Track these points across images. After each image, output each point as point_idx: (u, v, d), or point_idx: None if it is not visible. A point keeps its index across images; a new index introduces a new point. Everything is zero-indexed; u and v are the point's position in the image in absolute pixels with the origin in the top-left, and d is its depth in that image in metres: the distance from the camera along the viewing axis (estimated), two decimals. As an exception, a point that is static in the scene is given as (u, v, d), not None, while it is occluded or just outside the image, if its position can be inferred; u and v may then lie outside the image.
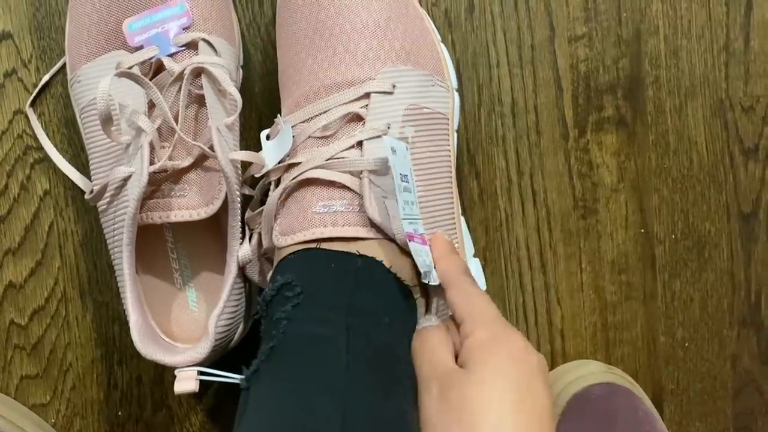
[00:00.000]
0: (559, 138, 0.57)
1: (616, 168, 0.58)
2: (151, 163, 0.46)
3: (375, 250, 0.45)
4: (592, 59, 0.57)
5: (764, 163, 0.58)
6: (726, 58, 0.57)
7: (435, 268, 0.45)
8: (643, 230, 0.58)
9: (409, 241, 0.44)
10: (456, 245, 0.49)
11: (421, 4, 0.52)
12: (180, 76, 0.47)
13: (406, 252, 0.46)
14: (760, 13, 0.57)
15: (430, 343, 0.42)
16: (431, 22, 0.52)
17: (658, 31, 0.57)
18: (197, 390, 0.45)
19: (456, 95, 0.52)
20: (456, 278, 0.44)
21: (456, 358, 0.41)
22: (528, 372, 0.39)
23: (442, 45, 0.52)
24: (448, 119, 0.51)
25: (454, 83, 0.52)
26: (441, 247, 0.46)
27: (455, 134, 0.52)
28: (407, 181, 0.45)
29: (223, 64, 0.48)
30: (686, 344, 0.60)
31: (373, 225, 0.45)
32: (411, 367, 0.43)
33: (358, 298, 0.42)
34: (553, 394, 0.40)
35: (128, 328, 0.47)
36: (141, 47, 0.48)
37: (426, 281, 0.43)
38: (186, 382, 0.46)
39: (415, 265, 0.45)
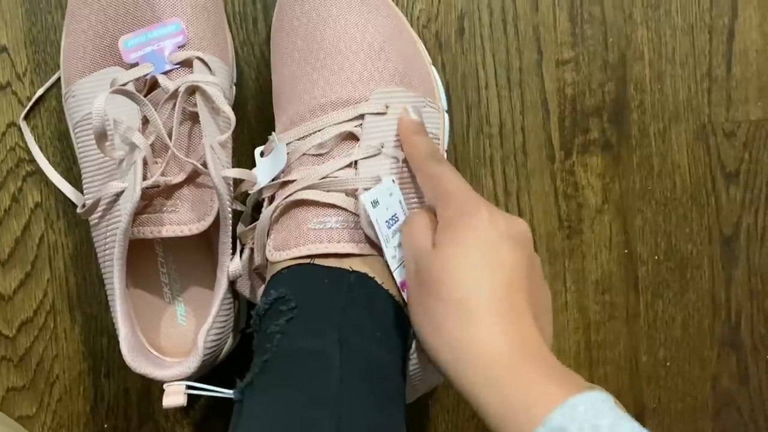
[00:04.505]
0: (546, 159, 0.58)
1: (600, 189, 0.59)
2: (144, 178, 0.47)
3: (368, 266, 0.45)
4: (579, 83, 0.58)
5: (745, 187, 0.59)
6: (709, 84, 0.59)
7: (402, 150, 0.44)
8: (626, 251, 0.59)
9: (403, 290, 0.45)
10: None
11: (412, 26, 0.53)
12: (174, 94, 0.47)
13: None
14: (741, 42, 0.58)
15: (411, 227, 0.42)
16: (423, 45, 0.53)
17: (643, 57, 0.58)
18: (185, 404, 0.45)
19: (446, 116, 0.53)
20: (420, 163, 0.43)
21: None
22: (491, 241, 0.38)
23: (433, 67, 0.53)
24: (439, 140, 0.51)
25: (444, 104, 0.53)
26: (405, 129, 0.46)
27: (445, 154, 0.53)
28: (397, 221, 0.45)
29: (217, 83, 0.48)
30: (668, 364, 0.60)
31: (366, 241, 0.45)
32: (403, 382, 0.43)
33: (351, 314, 0.42)
34: (527, 257, 0.39)
35: (116, 341, 0.47)
36: (136, 64, 0.49)
37: None
38: (174, 397, 0.46)
39: None
